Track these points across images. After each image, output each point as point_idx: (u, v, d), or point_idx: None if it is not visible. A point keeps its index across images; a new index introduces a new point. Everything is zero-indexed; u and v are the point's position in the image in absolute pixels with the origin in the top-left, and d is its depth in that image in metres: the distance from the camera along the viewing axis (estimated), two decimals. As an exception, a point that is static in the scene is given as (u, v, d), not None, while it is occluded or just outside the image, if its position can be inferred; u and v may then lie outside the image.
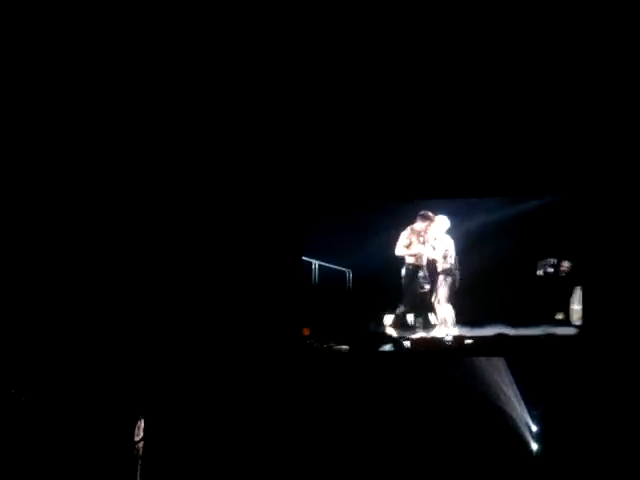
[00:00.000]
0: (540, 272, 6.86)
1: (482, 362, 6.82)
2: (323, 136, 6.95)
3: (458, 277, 7.04)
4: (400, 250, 7.11)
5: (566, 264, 6.82)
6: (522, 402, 6.69)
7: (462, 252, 7.03)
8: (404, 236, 7.11)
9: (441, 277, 7.09)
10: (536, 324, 6.76)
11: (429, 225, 7.10)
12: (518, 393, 6.70)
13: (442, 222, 7.08)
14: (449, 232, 7.09)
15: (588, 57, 6.24)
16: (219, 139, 6.98)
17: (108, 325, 6.86)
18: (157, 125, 6.87)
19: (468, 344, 6.85)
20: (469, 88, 6.55)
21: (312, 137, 6.97)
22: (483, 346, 6.83)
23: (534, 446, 6.68)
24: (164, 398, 6.78)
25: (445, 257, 7.08)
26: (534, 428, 6.70)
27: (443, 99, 6.62)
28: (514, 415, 6.71)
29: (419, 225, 7.11)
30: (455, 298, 7.03)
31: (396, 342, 6.98)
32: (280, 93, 6.67)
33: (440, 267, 7.10)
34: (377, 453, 6.72)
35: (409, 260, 7.12)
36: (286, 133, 6.98)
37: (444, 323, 6.98)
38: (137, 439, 6.58)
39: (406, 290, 7.14)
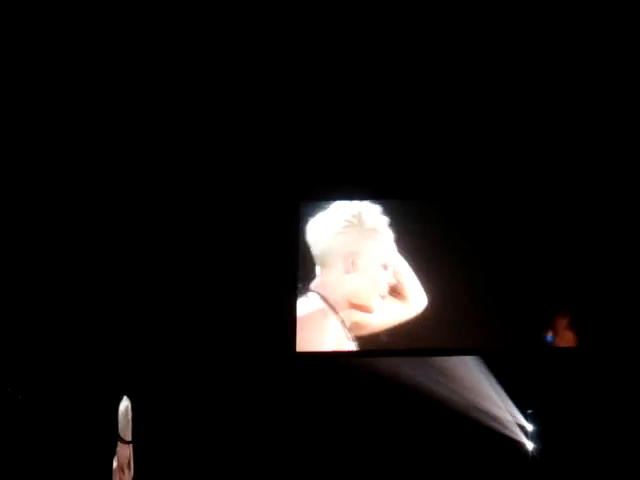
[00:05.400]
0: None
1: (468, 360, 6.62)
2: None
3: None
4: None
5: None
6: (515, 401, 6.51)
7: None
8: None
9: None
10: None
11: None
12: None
13: None
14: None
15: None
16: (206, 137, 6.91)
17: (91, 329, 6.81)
18: (148, 117, 6.78)
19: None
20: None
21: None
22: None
23: (530, 446, 6.47)
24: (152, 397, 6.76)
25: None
26: (529, 428, 6.49)
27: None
28: (507, 415, 6.52)
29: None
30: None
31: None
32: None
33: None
34: (369, 456, 6.59)
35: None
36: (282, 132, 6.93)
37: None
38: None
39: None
